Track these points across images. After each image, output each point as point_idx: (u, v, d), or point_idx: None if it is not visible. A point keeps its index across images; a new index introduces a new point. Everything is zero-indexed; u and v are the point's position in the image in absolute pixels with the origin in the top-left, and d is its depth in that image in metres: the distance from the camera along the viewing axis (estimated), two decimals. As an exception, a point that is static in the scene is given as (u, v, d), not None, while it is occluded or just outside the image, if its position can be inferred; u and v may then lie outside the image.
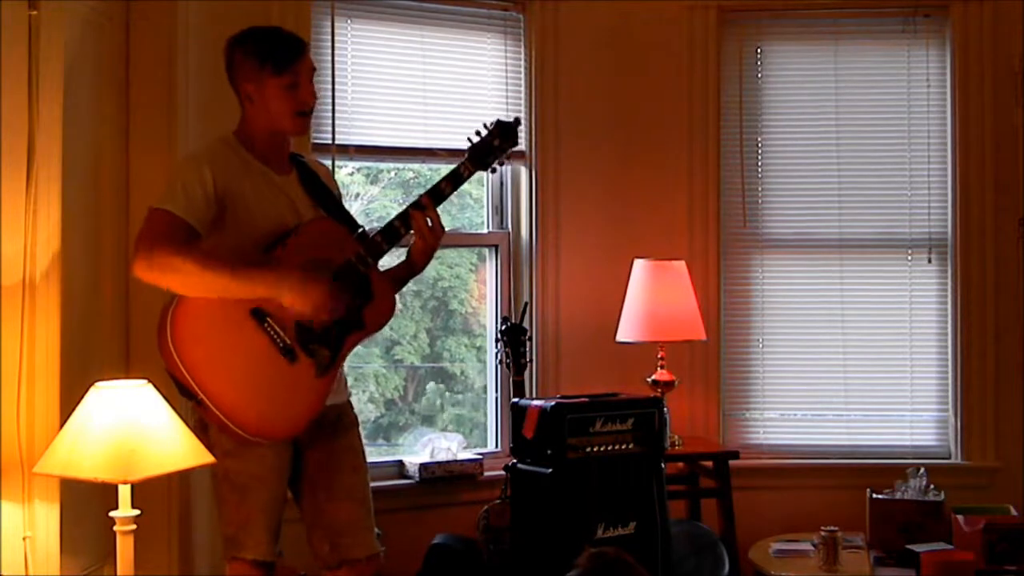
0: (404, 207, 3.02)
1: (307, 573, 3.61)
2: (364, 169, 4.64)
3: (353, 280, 2.91)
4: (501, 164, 3.13)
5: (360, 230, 3.02)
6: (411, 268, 3.10)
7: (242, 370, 2.78)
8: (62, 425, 2.75)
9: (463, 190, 4.56)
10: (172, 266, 2.67)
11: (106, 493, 2.81)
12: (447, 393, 4.82)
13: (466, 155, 3.07)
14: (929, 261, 4.66)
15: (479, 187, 4.63)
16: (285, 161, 3.01)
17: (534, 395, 4.38)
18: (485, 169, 3.09)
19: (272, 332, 2.81)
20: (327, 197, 3.06)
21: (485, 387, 4.65)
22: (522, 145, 4.48)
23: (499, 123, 3.10)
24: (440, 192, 3.03)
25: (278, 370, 2.81)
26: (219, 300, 2.74)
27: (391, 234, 2.97)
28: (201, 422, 2.86)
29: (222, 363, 2.76)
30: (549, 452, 3.62)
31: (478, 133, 3.08)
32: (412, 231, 3.00)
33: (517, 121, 3.12)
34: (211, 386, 2.73)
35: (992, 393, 4.56)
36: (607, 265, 4.54)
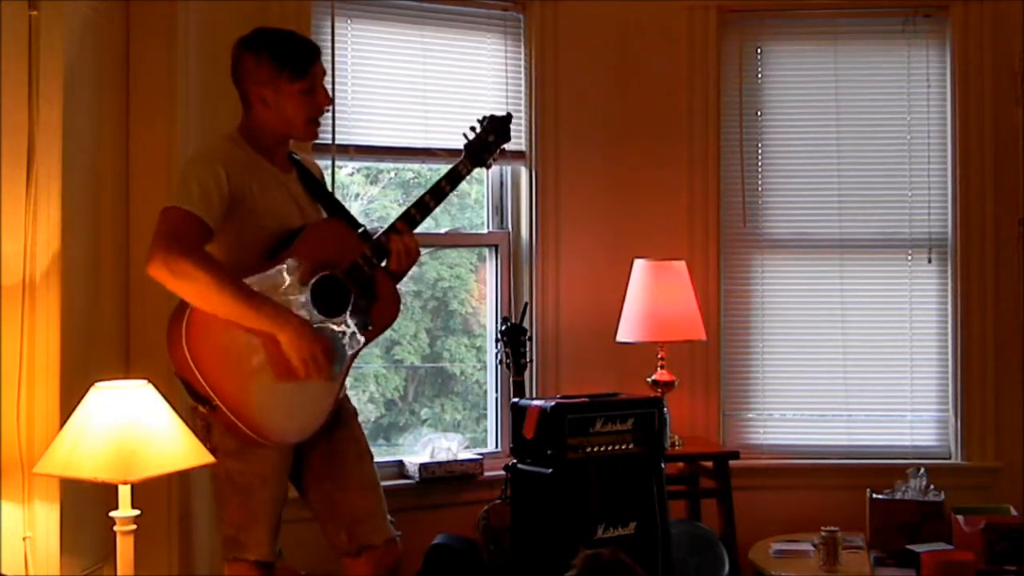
0: (406, 207, 3.04)
1: (308, 573, 3.61)
2: (364, 169, 4.64)
3: (359, 280, 2.92)
4: (495, 160, 3.16)
5: (362, 229, 3.03)
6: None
7: (255, 374, 2.78)
8: (62, 425, 2.75)
9: (463, 190, 4.58)
10: (189, 275, 2.66)
11: (106, 493, 2.80)
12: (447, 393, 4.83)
13: (463, 153, 3.09)
14: (929, 261, 4.66)
15: (479, 187, 4.63)
16: (286, 160, 3.02)
17: (534, 395, 4.38)
18: (482, 165, 3.14)
19: None
20: (326, 195, 3.07)
21: (485, 387, 4.65)
22: (522, 145, 4.48)
23: (491, 118, 3.14)
24: (441, 191, 3.06)
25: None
26: None
27: (391, 236, 2.98)
28: (204, 424, 2.85)
29: (236, 368, 2.76)
30: (549, 452, 3.62)
31: (473, 130, 3.11)
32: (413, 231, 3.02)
33: (509, 116, 3.17)
34: (226, 391, 2.73)
35: (992, 393, 4.56)
36: (607, 265, 4.54)
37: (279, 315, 2.74)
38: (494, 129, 3.11)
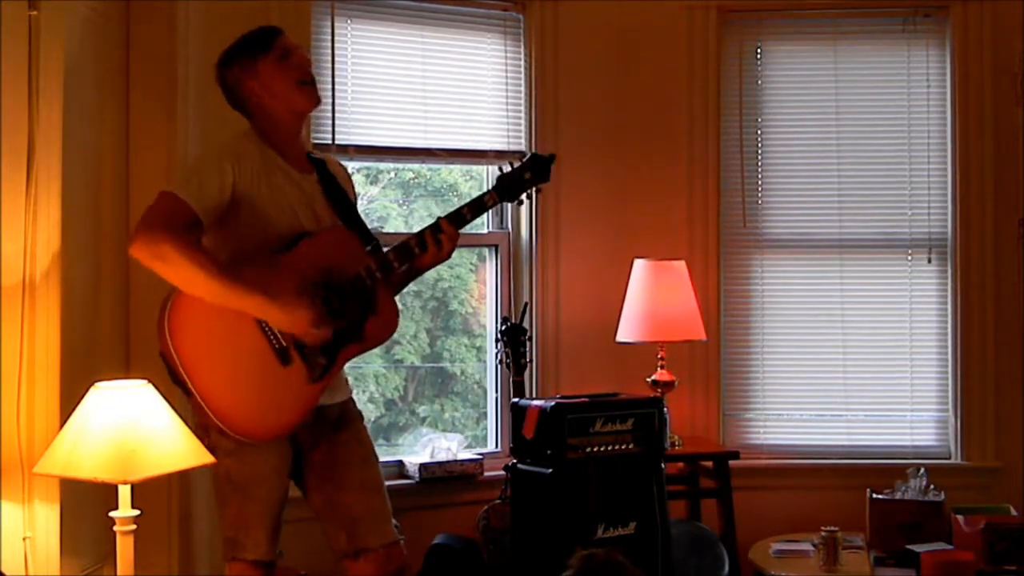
0: (422, 229, 3.00)
1: (308, 573, 3.61)
2: (364, 169, 4.64)
3: (358, 292, 2.91)
4: (529, 197, 3.10)
5: (373, 243, 3.00)
6: (412, 272, 3.11)
7: (233, 365, 2.78)
8: (62, 425, 2.75)
9: (463, 191, 4.59)
10: (167, 257, 2.66)
11: (106, 493, 2.80)
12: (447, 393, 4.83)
13: (494, 185, 3.05)
14: (929, 261, 4.66)
15: (480, 187, 4.62)
16: (303, 159, 3.00)
17: (534, 395, 4.38)
18: (511, 201, 3.06)
19: (269, 332, 2.80)
20: (344, 203, 3.04)
21: (485, 387, 4.65)
22: (522, 145, 4.48)
23: (533, 156, 3.07)
24: (461, 217, 3.01)
25: (270, 370, 2.80)
26: None
27: (404, 253, 2.96)
28: (203, 425, 2.85)
29: (215, 356, 2.76)
30: (549, 452, 3.62)
31: (511, 164, 3.06)
32: (427, 250, 2.98)
33: (552, 157, 3.08)
34: (201, 378, 2.72)
35: (992, 393, 4.56)
36: (607, 265, 4.54)
37: (262, 298, 2.74)
38: (532, 166, 3.03)
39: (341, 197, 3.04)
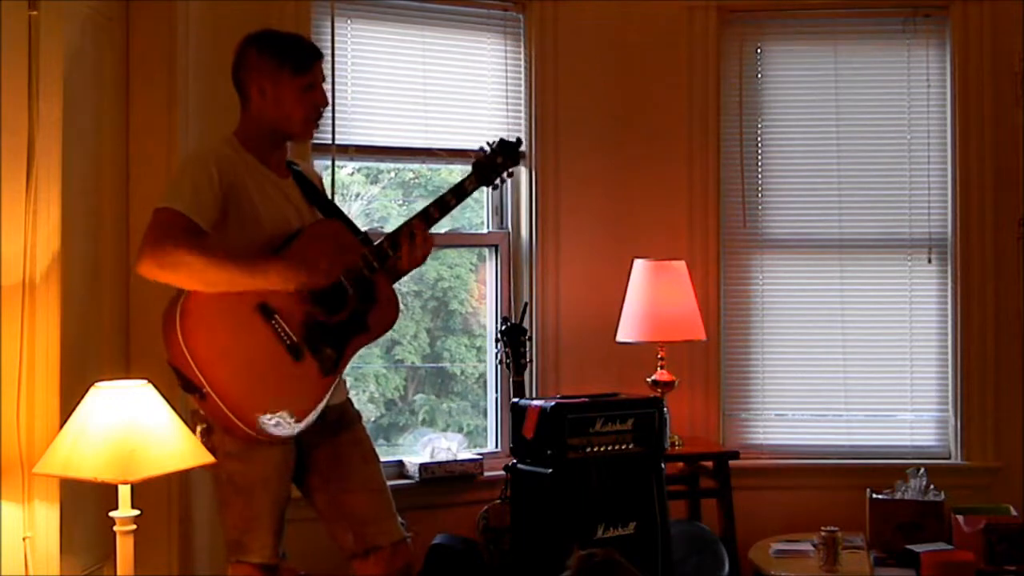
0: (409, 217, 3.03)
1: (308, 573, 3.61)
2: (364, 169, 4.64)
3: (357, 282, 2.91)
4: (503, 181, 3.19)
5: (362, 236, 3.02)
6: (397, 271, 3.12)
7: (247, 365, 2.79)
8: (62, 425, 2.75)
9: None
10: (180, 262, 2.67)
11: (106, 493, 2.80)
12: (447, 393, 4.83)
13: (471, 171, 3.12)
14: (929, 261, 4.66)
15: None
16: (283, 165, 3.01)
17: (534, 395, 4.39)
18: (488, 185, 3.15)
19: (279, 329, 2.81)
20: (326, 202, 3.06)
21: (485, 387, 4.65)
22: (522, 145, 4.47)
23: (501, 142, 3.15)
24: (446, 204, 3.06)
25: (283, 367, 2.81)
26: (228, 295, 2.75)
27: (397, 242, 2.98)
28: (205, 426, 2.85)
29: (228, 357, 2.77)
30: (549, 452, 3.62)
31: (482, 150, 3.12)
32: (415, 240, 3.00)
33: (519, 141, 3.19)
34: (216, 379, 2.73)
35: (992, 393, 4.56)
36: (607, 265, 4.54)
37: (279, 267, 2.77)
38: (503, 151, 3.13)
39: (321, 197, 3.08)
